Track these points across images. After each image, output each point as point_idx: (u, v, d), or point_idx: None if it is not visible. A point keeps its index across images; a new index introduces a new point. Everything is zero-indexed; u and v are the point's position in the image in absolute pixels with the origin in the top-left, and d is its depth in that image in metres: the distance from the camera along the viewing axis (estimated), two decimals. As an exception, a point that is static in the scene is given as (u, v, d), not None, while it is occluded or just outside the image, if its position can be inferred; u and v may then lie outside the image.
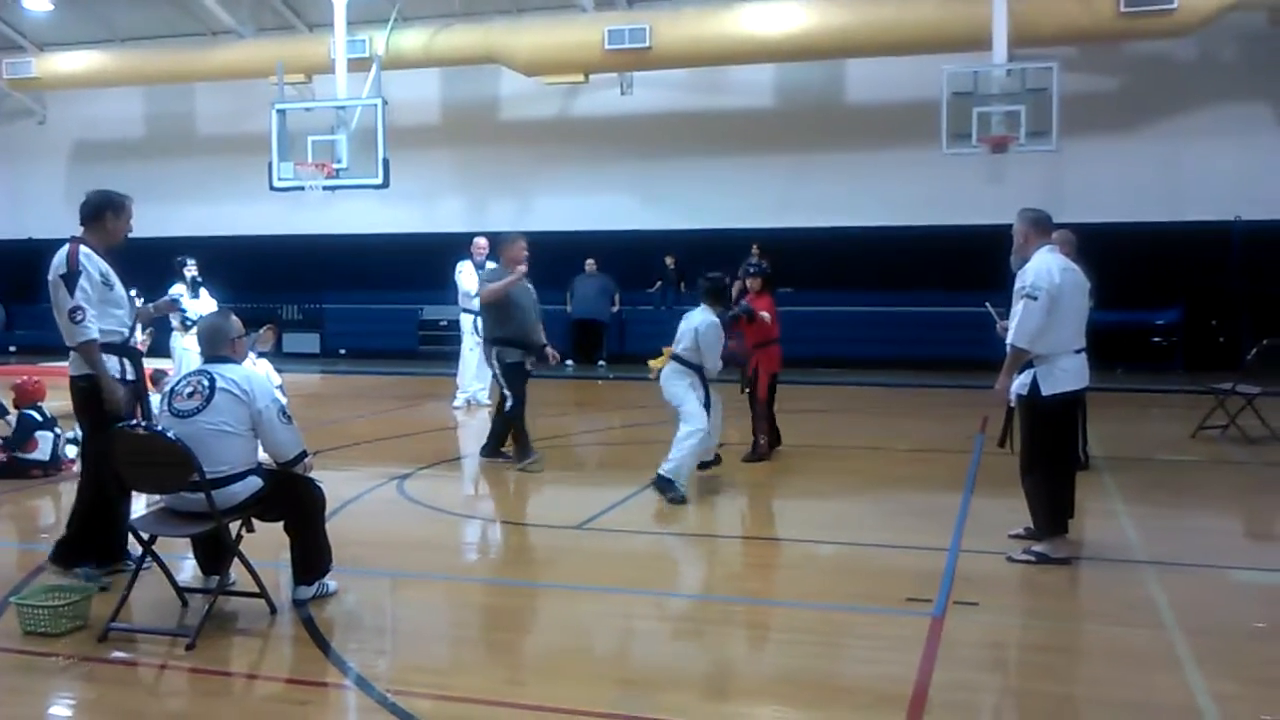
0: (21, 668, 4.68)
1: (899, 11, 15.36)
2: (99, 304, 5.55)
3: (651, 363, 8.26)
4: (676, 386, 7.96)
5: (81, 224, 5.70)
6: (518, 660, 4.84)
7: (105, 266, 5.64)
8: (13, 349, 19.42)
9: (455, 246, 13.77)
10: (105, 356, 5.58)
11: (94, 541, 5.72)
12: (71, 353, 5.63)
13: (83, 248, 5.57)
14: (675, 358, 8.03)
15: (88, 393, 5.60)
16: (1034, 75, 13.81)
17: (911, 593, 5.48)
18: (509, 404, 8.98)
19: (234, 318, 5.53)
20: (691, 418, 7.85)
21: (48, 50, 20.26)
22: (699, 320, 8.00)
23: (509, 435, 9.17)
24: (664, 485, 7.74)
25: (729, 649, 5.01)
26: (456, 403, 12.74)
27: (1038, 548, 6.07)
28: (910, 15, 15.28)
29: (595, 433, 11.03)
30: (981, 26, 14.08)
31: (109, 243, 5.73)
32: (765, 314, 9.21)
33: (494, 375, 9.28)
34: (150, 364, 11.57)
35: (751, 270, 9.60)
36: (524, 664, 4.78)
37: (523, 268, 8.93)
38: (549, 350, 9.21)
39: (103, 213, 5.70)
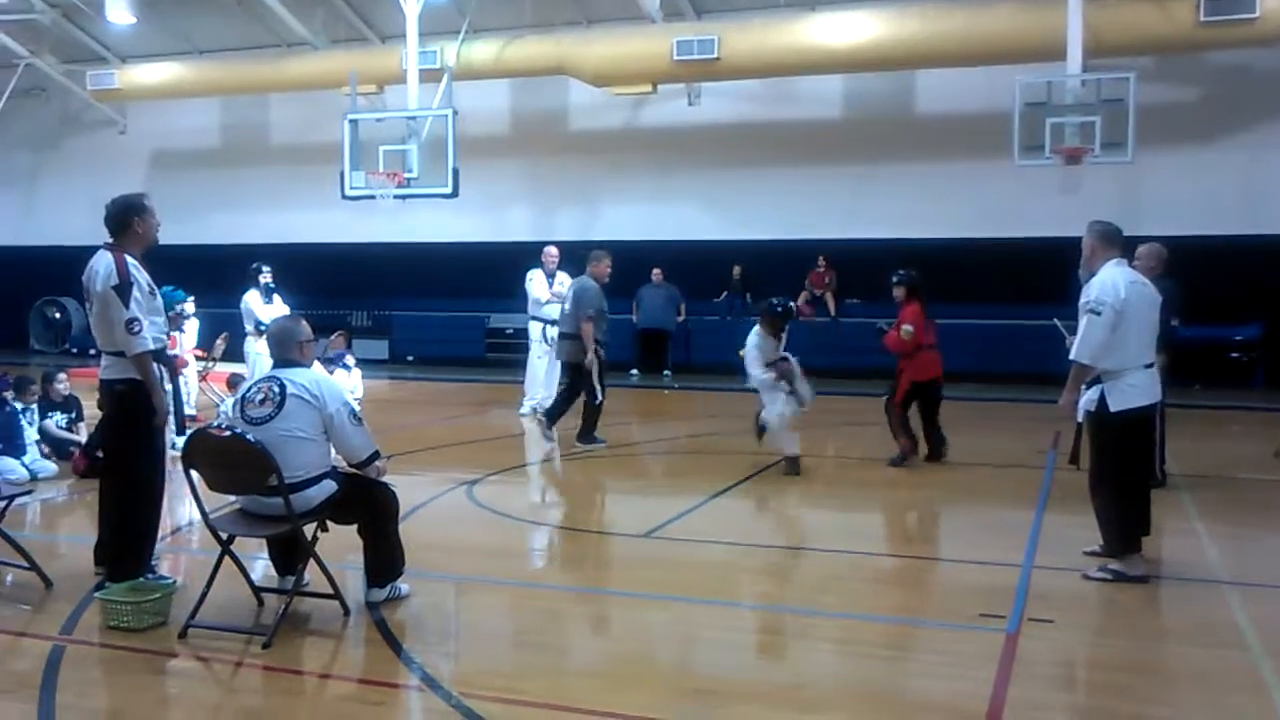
0: (102, 661, 4.80)
1: (970, 21, 15.19)
2: (146, 314, 5.56)
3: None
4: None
5: (112, 235, 5.66)
6: (587, 667, 4.86)
7: (148, 276, 5.65)
8: (93, 352, 19.88)
9: (522, 255, 13.88)
10: None
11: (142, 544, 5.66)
12: (107, 357, 5.63)
13: (129, 258, 5.56)
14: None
15: (126, 397, 5.59)
16: (1110, 86, 13.57)
17: (984, 608, 5.40)
18: (599, 395, 10.47)
19: (304, 322, 5.60)
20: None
21: (129, 62, 20.78)
22: (748, 338, 9.06)
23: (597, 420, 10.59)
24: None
25: (799, 661, 4.97)
26: (523, 410, 12.81)
27: (1114, 565, 5.94)
28: (982, 25, 15.10)
29: (661, 442, 11.03)
30: (1055, 36, 13.87)
31: (144, 246, 5.72)
32: (909, 326, 9.39)
33: (593, 371, 10.48)
34: (227, 368, 11.93)
35: (896, 280, 9.74)
36: (594, 671, 4.78)
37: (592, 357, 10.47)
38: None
39: (130, 219, 5.66)
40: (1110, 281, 5.85)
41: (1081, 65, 13.64)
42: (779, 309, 9.14)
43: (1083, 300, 5.92)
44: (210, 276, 14.12)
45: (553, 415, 10.75)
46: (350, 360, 12.42)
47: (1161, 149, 15.26)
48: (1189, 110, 16.23)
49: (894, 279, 9.76)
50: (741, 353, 9.19)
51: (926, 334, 9.51)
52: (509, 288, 14.51)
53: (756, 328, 9.13)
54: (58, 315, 22.35)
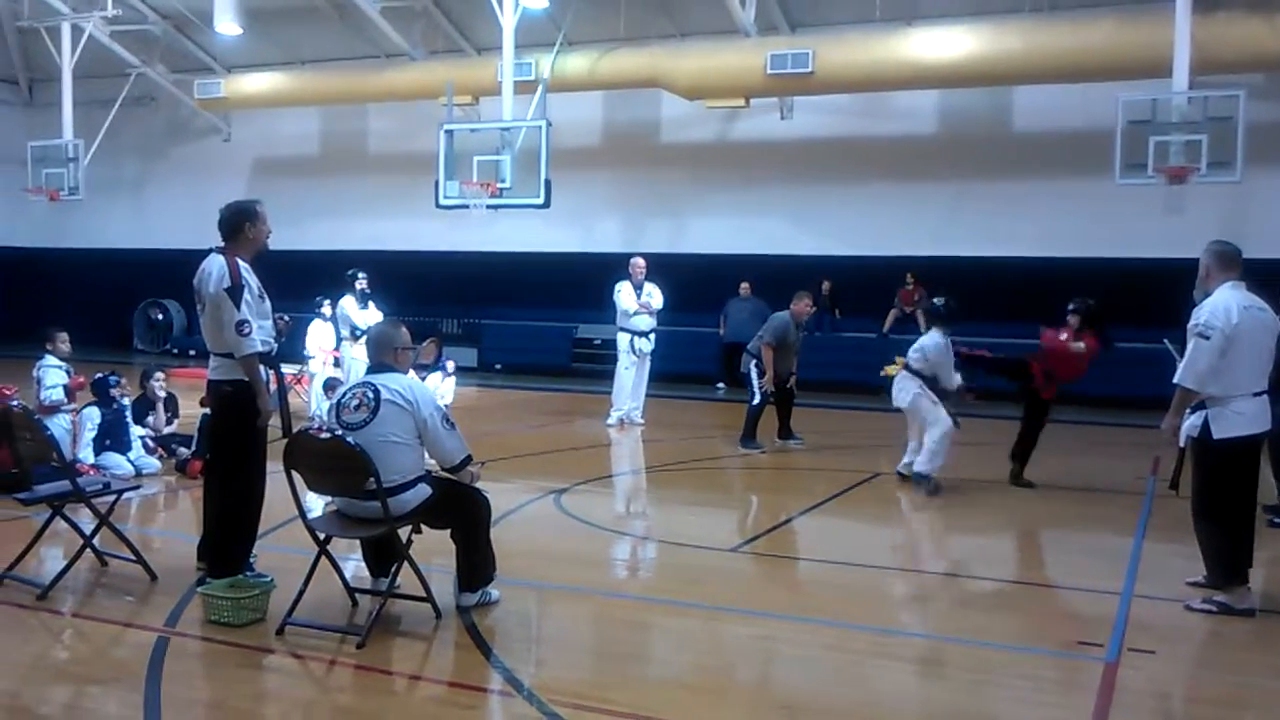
0: (204, 654, 4.92)
1: (1071, 37, 14.92)
2: (255, 316, 5.67)
3: (888, 368, 9.49)
4: (904, 391, 9.14)
5: (225, 239, 5.80)
6: (673, 678, 4.83)
7: (258, 281, 5.78)
8: (192, 353, 20.47)
9: (611, 267, 13.97)
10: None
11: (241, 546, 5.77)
12: (216, 358, 5.74)
13: (241, 262, 5.70)
14: (906, 366, 9.22)
15: (234, 399, 5.69)
16: (1217, 103, 13.19)
17: (1082, 636, 5.27)
18: (757, 396, 11.16)
19: (404, 329, 5.67)
20: (936, 422, 8.94)
21: (235, 72, 21.41)
22: (928, 340, 9.28)
23: (756, 422, 11.26)
24: (919, 479, 8.95)
25: (887, 682, 4.89)
26: (610, 420, 12.86)
27: (1219, 597, 5.75)
28: (1083, 41, 14.82)
29: (748, 456, 10.98)
30: (1160, 53, 13.54)
31: (254, 250, 5.85)
32: (1082, 344, 9.22)
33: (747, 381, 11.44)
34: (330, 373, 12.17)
35: (1072, 308, 9.42)
36: (679, 682, 4.76)
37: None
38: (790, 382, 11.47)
39: (241, 224, 5.79)
40: (1223, 304, 5.65)
41: (1188, 82, 13.29)
42: (939, 308, 9.65)
43: (1191, 323, 5.74)
44: (307, 282, 14.43)
45: (745, 440, 11.26)
46: (450, 365, 12.66)
47: (1270, 168, 14.80)
48: (1300, 129, 15.69)
49: (1070, 307, 9.44)
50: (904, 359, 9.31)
51: (1083, 362, 9.31)
52: (597, 299, 14.59)
53: (933, 330, 9.46)
54: (160, 316, 23.07)
